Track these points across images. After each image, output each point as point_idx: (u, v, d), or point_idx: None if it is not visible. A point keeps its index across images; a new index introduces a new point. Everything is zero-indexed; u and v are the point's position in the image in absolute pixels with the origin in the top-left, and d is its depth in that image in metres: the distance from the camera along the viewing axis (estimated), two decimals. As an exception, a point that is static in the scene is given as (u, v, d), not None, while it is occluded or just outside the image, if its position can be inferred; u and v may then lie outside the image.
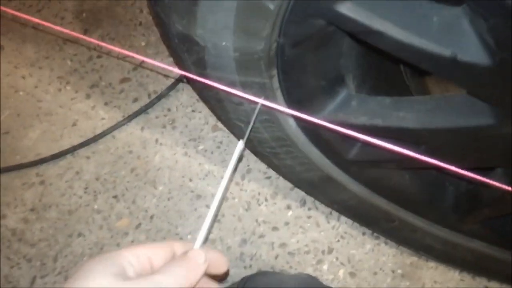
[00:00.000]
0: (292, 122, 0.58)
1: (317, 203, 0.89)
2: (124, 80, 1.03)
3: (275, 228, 0.89)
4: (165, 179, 0.94)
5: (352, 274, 0.85)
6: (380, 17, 0.38)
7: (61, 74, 1.05)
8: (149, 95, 1.01)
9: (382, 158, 0.57)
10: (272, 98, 0.52)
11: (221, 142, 0.96)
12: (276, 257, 0.86)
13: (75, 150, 0.97)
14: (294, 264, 0.86)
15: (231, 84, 0.50)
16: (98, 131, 0.98)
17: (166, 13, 0.45)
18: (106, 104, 1.01)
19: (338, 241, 0.87)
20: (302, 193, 0.89)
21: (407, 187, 0.65)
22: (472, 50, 0.36)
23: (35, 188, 0.95)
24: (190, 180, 0.93)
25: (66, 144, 0.98)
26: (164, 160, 0.95)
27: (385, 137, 0.42)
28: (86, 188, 0.94)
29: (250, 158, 0.93)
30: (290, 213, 0.89)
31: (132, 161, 0.96)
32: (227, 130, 0.95)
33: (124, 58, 1.05)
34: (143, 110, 0.98)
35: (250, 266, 0.86)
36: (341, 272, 0.85)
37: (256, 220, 0.89)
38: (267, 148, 0.65)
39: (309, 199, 0.89)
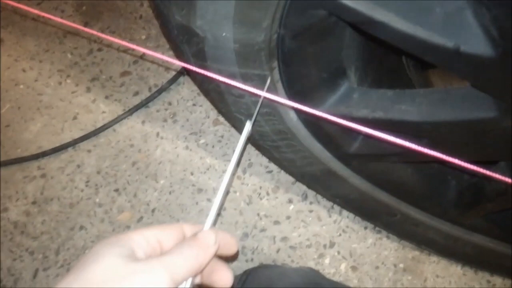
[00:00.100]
0: (293, 115, 0.58)
1: (319, 197, 0.89)
2: (124, 73, 1.03)
3: (276, 222, 0.88)
4: (166, 173, 0.93)
5: (354, 268, 0.85)
6: (382, 8, 0.37)
7: (61, 68, 1.05)
8: (149, 89, 1.01)
9: (384, 152, 0.57)
10: (273, 91, 0.51)
11: (222, 136, 0.95)
12: (278, 251, 0.86)
13: (76, 144, 0.97)
14: (296, 258, 0.86)
15: (232, 76, 0.50)
16: (98, 125, 0.98)
17: (166, 4, 0.45)
18: (106, 97, 1.01)
19: (340, 235, 0.87)
20: (304, 187, 0.89)
21: (409, 180, 0.64)
22: (475, 42, 0.36)
23: (37, 181, 0.95)
24: (192, 174, 0.93)
25: (67, 137, 0.98)
26: (165, 153, 0.95)
27: (387, 130, 0.41)
28: (87, 182, 0.94)
29: (252, 152, 0.92)
30: (291, 207, 0.89)
31: (133, 155, 0.95)
32: (228, 124, 0.95)
33: (124, 51, 1.04)
34: (144, 103, 0.98)
35: (252, 259, 0.86)
36: (343, 266, 0.85)
37: (258, 214, 0.89)
38: (268, 142, 0.65)
39: (311, 193, 0.89)
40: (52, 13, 1.10)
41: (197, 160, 0.94)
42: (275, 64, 0.49)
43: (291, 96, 0.54)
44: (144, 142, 0.96)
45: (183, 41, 0.48)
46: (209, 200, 0.91)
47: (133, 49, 1.03)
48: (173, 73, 1.00)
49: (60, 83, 1.04)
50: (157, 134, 0.97)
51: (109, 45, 1.05)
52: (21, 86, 1.04)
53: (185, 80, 1.00)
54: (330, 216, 0.88)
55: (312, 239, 0.87)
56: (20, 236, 0.91)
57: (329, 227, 0.87)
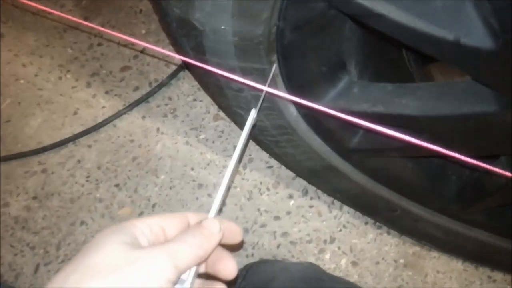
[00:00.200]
0: (293, 109, 0.58)
1: (319, 192, 0.89)
2: (124, 68, 1.02)
3: (277, 218, 0.88)
4: (166, 168, 0.93)
5: (354, 264, 0.84)
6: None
7: (61, 62, 1.04)
8: (150, 84, 1.00)
9: (384, 146, 0.56)
10: (272, 85, 0.51)
11: (222, 132, 0.95)
12: (278, 246, 0.86)
13: (76, 139, 0.97)
14: (296, 253, 0.85)
15: (231, 70, 0.49)
16: (99, 120, 0.97)
17: (164, -4, 0.45)
18: (107, 92, 1.01)
19: (340, 230, 0.87)
20: (304, 183, 0.89)
21: (410, 176, 0.64)
22: (475, 34, 0.35)
23: (37, 177, 0.96)
24: (192, 169, 0.93)
25: (67, 132, 0.98)
26: (166, 149, 0.95)
27: (387, 125, 0.41)
28: (88, 177, 0.94)
29: (252, 147, 0.92)
30: (292, 202, 0.89)
31: (134, 150, 0.95)
32: (228, 119, 0.94)
33: (124, 46, 1.04)
34: (144, 98, 0.98)
35: (252, 255, 0.86)
36: (343, 262, 0.85)
37: (258, 210, 0.89)
38: (268, 137, 0.65)
39: (311, 189, 0.89)
40: (52, 8, 1.09)
41: (198, 156, 0.94)
42: (275, 57, 0.48)
43: (290, 90, 0.53)
44: (144, 138, 0.96)
45: (182, 34, 0.48)
46: (209, 195, 0.91)
47: (133, 44, 1.02)
48: (174, 67, 1.00)
49: (60, 78, 1.03)
50: (158, 129, 0.97)
51: (109, 40, 1.04)
52: (22, 81, 1.04)
53: (185, 75, 1.00)
54: (330, 212, 0.88)
55: (313, 234, 0.87)
56: (21, 231, 0.92)
57: (329, 222, 0.87)
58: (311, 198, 0.89)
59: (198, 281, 0.38)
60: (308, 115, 0.58)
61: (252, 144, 0.89)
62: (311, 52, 0.49)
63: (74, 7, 1.09)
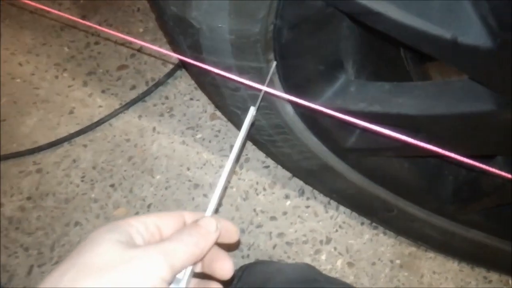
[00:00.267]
0: (289, 108, 0.57)
1: (316, 192, 0.89)
2: (121, 67, 1.02)
3: (273, 218, 0.88)
4: (162, 168, 0.93)
5: (350, 264, 0.84)
6: (379, -2, 0.37)
7: (58, 61, 1.04)
8: (146, 83, 1.00)
9: (381, 146, 0.56)
10: (269, 84, 0.51)
11: (219, 131, 0.95)
12: (274, 247, 0.86)
13: (72, 138, 0.96)
14: (292, 254, 0.85)
15: (228, 69, 0.49)
16: (95, 119, 0.97)
17: (161, -6, 0.44)
18: (103, 91, 1.00)
19: (337, 231, 0.87)
20: (301, 183, 0.89)
21: (406, 176, 0.64)
22: (473, 32, 0.35)
23: (32, 177, 0.95)
24: (188, 169, 0.92)
25: (63, 132, 0.97)
26: (162, 148, 0.94)
27: (384, 124, 0.41)
28: (83, 177, 0.94)
29: (249, 147, 0.92)
30: (288, 202, 0.89)
31: (130, 150, 0.95)
32: (225, 119, 0.94)
33: (121, 44, 1.03)
34: (141, 98, 0.97)
35: (248, 255, 0.86)
36: (339, 262, 0.85)
37: (254, 210, 0.89)
38: (265, 136, 0.64)
39: (308, 189, 0.89)
40: (49, 6, 1.09)
41: (194, 155, 0.93)
42: (272, 56, 0.48)
43: (287, 89, 0.53)
44: (140, 137, 0.96)
45: (179, 32, 0.48)
46: (205, 195, 0.90)
47: (131, 43, 1.02)
48: (171, 66, 1.00)
49: (56, 77, 1.03)
50: (154, 128, 0.96)
51: (107, 39, 1.04)
52: (18, 80, 1.03)
53: (182, 74, 1.00)
54: (326, 212, 0.88)
55: (309, 235, 0.86)
56: (15, 232, 0.91)
57: (325, 222, 0.87)
58: (308, 198, 0.89)
59: (194, 281, 0.37)
60: (305, 114, 0.58)
61: (248, 143, 0.89)
62: (308, 50, 0.49)
63: (72, 5, 1.09)
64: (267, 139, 0.65)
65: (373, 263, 0.84)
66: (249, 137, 0.68)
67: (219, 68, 0.45)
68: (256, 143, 0.71)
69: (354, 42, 0.51)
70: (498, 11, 0.33)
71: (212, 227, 0.35)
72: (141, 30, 1.05)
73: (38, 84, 1.03)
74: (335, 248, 0.85)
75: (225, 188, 0.90)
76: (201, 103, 0.97)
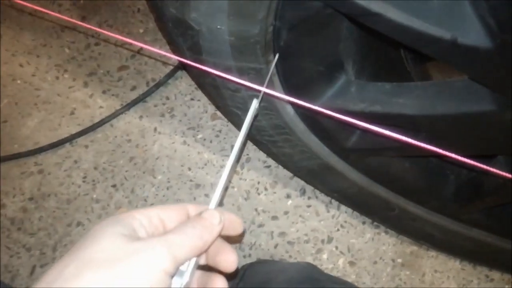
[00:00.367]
0: (290, 109, 0.57)
1: (317, 192, 0.89)
2: (122, 68, 1.02)
3: (274, 217, 0.88)
4: (164, 168, 0.93)
5: (351, 263, 0.84)
6: (378, -1, 0.36)
7: (58, 62, 1.04)
8: (147, 83, 1.00)
9: (381, 146, 0.56)
10: (269, 85, 0.51)
11: (220, 131, 0.95)
12: (276, 246, 0.86)
13: (73, 139, 0.96)
14: (294, 253, 0.85)
15: (227, 70, 0.49)
16: (96, 120, 0.97)
17: (160, -4, 0.44)
18: (104, 92, 1.00)
19: (338, 230, 0.87)
20: (302, 182, 0.89)
21: (407, 175, 0.64)
22: (473, 33, 0.35)
23: (34, 177, 0.95)
24: (189, 169, 0.92)
25: (64, 132, 0.97)
26: (163, 149, 0.94)
27: (385, 124, 0.41)
28: (84, 177, 0.94)
29: (250, 147, 0.92)
30: (289, 202, 0.89)
31: (131, 150, 0.95)
32: (226, 119, 0.94)
33: (122, 45, 1.03)
34: (142, 98, 0.97)
35: (250, 255, 0.86)
36: (340, 261, 0.85)
37: (256, 209, 0.89)
38: (266, 136, 0.64)
39: (309, 188, 0.89)
40: (49, 7, 1.09)
41: (195, 155, 0.93)
42: (271, 57, 0.48)
43: (287, 90, 0.53)
44: (141, 137, 0.96)
45: (178, 34, 0.48)
46: (206, 195, 0.90)
47: (131, 44, 1.02)
48: (171, 67, 1.00)
49: (57, 78, 1.03)
50: (155, 129, 0.96)
51: (107, 40, 1.04)
52: (19, 81, 1.04)
53: (183, 74, 1.00)
54: (328, 211, 0.88)
55: (310, 234, 0.86)
56: (17, 232, 0.91)
57: (327, 222, 0.87)
58: (309, 198, 0.89)
59: (198, 273, 0.37)
60: (306, 114, 0.58)
61: (249, 143, 0.89)
62: (308, 51, 0.48)
63: (72, 6, 1.08)
64: (268, 140, 0.65)
65: (375, 262, 0.84)
66: (250, 137, 0.68)
67: (219, 70, 0.45)
68: (257, 143, 0.71)
69: (354, 42, 0.51)
70: (497, 11, 0.33)
71: (215, 220, 0.35)
72: (141, 31, 1.05)
73: (39, 85, 1.03)
74: (336, 247, 0.85)
75: (225, 189, 0.90)
76: (202, 103, 0.97)
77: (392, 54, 0.61)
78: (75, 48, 1.05)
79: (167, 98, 0.99)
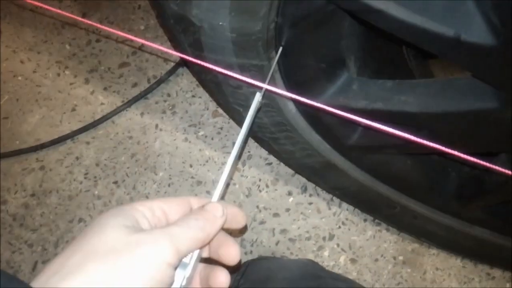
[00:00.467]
0: (291, 106, 0.57)
1: (318, 189, 0.89)
2: (123, 64, 1.02)
3: (276, 214, 0.88)
4: (165, 165, 0.93)
5: (353, 261, 0.84)
6: (381, -5, 0.36)
7: (59, 59, 1.04)
8: (148, 80, 1.00)
9: (383, 143, 0.56)
10: (271, 82, 0.51)
11: (221, 128, 0.95)
12: (277, 243, 0.86)
13: (74, 136, 0.96)
14: (295, 250, 0.85)
15: (229, 67, 0.49)
16: (97, 116, 0.97)
17: (161, -8, 0.44)
18: (105, 89, 1.00)
19: (339, 227, 0.87)
20: (303, 180, 0.89)
21: (409, 173, 0.64)
22: (476, 30, 0.35)
23: (35, 174, 0.95)
24: (191, 166, 0.92)
25: (65, 129, 0.97)
26: (164, 146, 0.94)
27: (387, 122, 0.41)
28: (86, 174, 0.94)
29: (251, 144, 0.92)
30: (291, 199, 0.89)
31: (132, 147, 0.95)
32: (227, 116, 0.94)
33: (123, 42, 1.03)
34: (143, 95, 0.97)
35: (251, 252, 0.86)
36: (342, 259, 0.85)
37: (257, 206, 0.89)
38: (267, 134, 0.64)
39: (310, 186, 0.89)
40: (50, 4, 1.08)
41: (196, 152, 0.93)
42: (273, 54, 0.48)
43: (289, 87, 0.53)
44: (143, 134, 0.96)
45: (180, 30, 0.48)
46: (208, 192, 0.90)
47: (132, 40, 1.02)
48: (172, 64, 1.00)
49: (58, 75, 1.03)
50: (156, 126, 0.96)
51: (108, 36, 1.04)
52: (20, 78, 1.04)
53: (184, 71, 1.00)
54: (329, 209, 0.88)
55: (312, 231, 0.86)
56: (19, 228, 0.91)
57: (328, 219, 0.87)
58: (310, 195, 0.89)
59: (201, 266, 0.37)
60: (307, 112, 0.58)
61: (251, 141, 0.89)
62: (310, 48, 0.48)
63: (72, 2, 1.08)
64: (269, 137, 0.65)
65: (376, 260, 0.84)
66: (252, 134, 0.68)
67: (221, 66, 0.45)
68: (259, 140, 0.70)
69: (356, 39, 0.51)
70: (501, 8, 0.33)
71: (218, 212, 0.35)
72: (142, 27, 1.04)
73: (40, 82, 1.03)
74: (338, 245, 0.85)
75: (227, 186, 0.90)
76: (203, 100, 0.97)
77: (394, 51, 0.61)
78: (76, 45, 1.05)
79: (168, 95, 0.98)
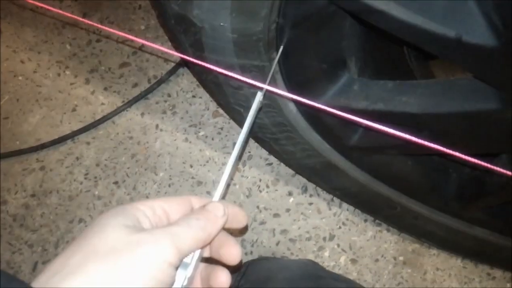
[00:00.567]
0: (292, 107, 0.57)
1: (319, 189, 0.88)
2: (123, 64, 1.02)
3: (276, 215, 0.88)
4: (165, 165, 0.93)
5: (353, 261, 0.84)
6: (382, -4, 0.36)
7: (60, 59, 1.04)
8: (149, 80, 1.00)
9: (384, 144, 0.56)
10: (272, 82, 0.51)
11: (221, 128, 0.95)
12: (277, 244, 0.86)
13: (75, 136, 0.96)
14: (295, 250, 0.85)
15: (230, 68, 0.49)
16: (98, 117, 0.97)
17: (162, -7, 0.44)
18: (105, 89, 1.00)
19: (340, 228, 0.87)
20: (304, 180, 0.89)
21: (410, 173, 0.64)
22: (477, 31, 0.35)
23: (36, 174, 0.95)
24: (191, 166, 0.92)
25: (66, 129, 0.97)
26: (165, 146, 0.94)
27: (387, 122, 0.41)
28: (86, 174, 0.94)
29: (251, 145, 0.92)
30: (291, 199, 0.89)
31: (133, 147, 0.95)
32: (228, 116, 0.94)
33: (123, 42, 1.03)
34: (143, 95, 0.97)
35: (251, 252, 0.86)
36: (342, 259, 0.85)
37: (257, 207, 0.89)
38: (268, 134, 0.64)
39: (311, 186, 0.89)
40: (50, 4, 1.09)
41: (197, 153, 0.93)
42: (274, 54, 0.48)
43: (290, 88, 0.53)
44: (143, 134, 0.96)
45: (180, 31, 0.48)
46: (208, 192, 0.90)
47: (132, 40, 1.02)
48: (173, 64, 1.00)
49: (59, 75, 1.03)
50: (157, 126, 0.96)
51: (108, 36, 1.04)
52: (20, 78, 1.04)
53: (184, 71, 1.00)
54: (330, 209, 0.88)
55: (312, 231, 0.86)
56: (19, 229, 0.91)
57: (329, 219, 0.87)
58: (311, 196, 0.89)
59: (202, 265, 0.37)
60: (308, 112, 0.58)
61: (251, 141, 0.89)
62: (311, 49, 0.48)
63: (73, 2, 1.08)
64: (270, 137, 0.65)
65: (376, 260, 0.84)
66: (252, 135, 0.68)
67: (221, 67, 0.45)
68: (259, 141, 0.70)
69: (357, 40, 0.51)
70: (503, 9, 0.33)
71: (219, 212, 0.35)
72: (142, 27, 1.04)
73: (40, 82, 1.03)
74: (338, 245, 0.85)
75: (228, 185, 0.90)
76: (204, 101, 0.97)
77: (395, 52, 0.61)
78: (77, 45, 1.05)
79: (169, 95, 0.98)
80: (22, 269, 0.88)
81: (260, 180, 0.90)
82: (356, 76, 0.53)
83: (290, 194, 0.89)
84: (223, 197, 0.88)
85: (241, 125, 0.44)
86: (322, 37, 0.47)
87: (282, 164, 0.89)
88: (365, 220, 0.86)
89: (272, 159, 0.91)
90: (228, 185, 0.90)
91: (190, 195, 0.39)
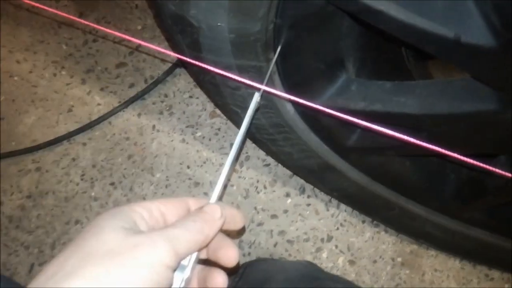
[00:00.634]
0: (290, 107, 0.57)
1: (317, 190, 0.88)
2: (120, 65, 1.01)
3: (274, 216, 0.88)
4: (162, 166, 0.92)
5: (351, 262, 0.84)
6: (381, -4, 0.36)
7: (56, 59, 1.03)
8: (145, 80, 0.99)
9: (382, 145, 0.56)
10: (269, 83, 0.50)
11: (219, 129, 0.94)
12: (275, 245, 0.86)
13: (71, 137, 0.96)
14: (293, 252, 0.85)
15: (227, 68, 0.48)
16: (94, 117, 0.96)
17: (159, -8, 0.44)
18: (102, 89, 1.00)
19: (338, 229, 0.86)
20: (301, 181, 0.88)
21: (408, 174, 0.64)
22: (476, 31, 0.35)
23: (31, 175, 0.94)
24: (188, 167, 0.92)
25: (62, 130, 0.97)
26: (162, 147, 0.94)
27: (385, 123, 0.40)
28: (82, 175, 0.93)
29: (249, 145, 0.91)
30: (289, 200, 0.88)
31: (129, 148, 0.94)
32: (225, 117, 0.93)
33: (120, 42, 1.03)
34: (140, 96, 0.97)
35: (249, 253, 0.85)
36: (340, 260, 0.84)
37: (255, 208, 0.88)
38: (265, 135, 0.64)
39: (308, 187, 0.88)
40: (46, 3, 1.08)
41: (194, 153, 0.93)
42: (272, 55, 0.48)
43: (288, 88, 0.53)
44: (140, 135, 0.95)
45: (177, 31, 0.47)
46: (205, 193, 0.90)
47: (129, 40, 1.01)
48: (170, 64, 0.99)
49: (54, 75, 1.02)
50: (153, 127, 0.96)
51: (105, 36, 1.03)
52: (16, 78, 1.03)
53: (181, 71, 0.99)
54: (327, 210, 0.87)
55: (310, 233, 0.86)
56: (15, 230, 0.91)
57: (326, 221, 0.87)
58: (308, 197, 0.88)
59: (198, 267, 0.37)
60: (306, 113, 0.57)
61: (249, 142, 0.89)
62: (309, 49, 0.48)
63: (69, 2, 1.08)
64: (267, 138, 0.64)
65: (375, 261, 0.84)
66: (250, 135, 0.68)
67: (219, 67, 0.44)
68: (257, 142, 0.70)
69: (355, 40, 0.50)
70: (501, 10, 0.33)
71: (217, 214, 0.35)
72: (139, 27, 1.04)
73: (36, 82, 1.02)
74: (336, 246, 0.85)
75: (225, 186, 0.90)
76: (201, 101, 0.97)
77: (393, 52, 0.61)
78: (73, 45, 1.04)
79: (166, 96, 0.98)
80: (18, 270, 0.87)
81: (257, 181, 0.90)
82: (354, 76, 0.53)
83: (287, 195, 0.89)
84: (220, 198, 0.88)
85: (238, 126, 0.44)
86: (320, 37, 0.47)
87: (279, 165, 0.89)
88: (363, 221, 0.86)
89: (270, 160, 0.91)
90: (225, 186, 0.90)
91: (187, 196, 0.39)
